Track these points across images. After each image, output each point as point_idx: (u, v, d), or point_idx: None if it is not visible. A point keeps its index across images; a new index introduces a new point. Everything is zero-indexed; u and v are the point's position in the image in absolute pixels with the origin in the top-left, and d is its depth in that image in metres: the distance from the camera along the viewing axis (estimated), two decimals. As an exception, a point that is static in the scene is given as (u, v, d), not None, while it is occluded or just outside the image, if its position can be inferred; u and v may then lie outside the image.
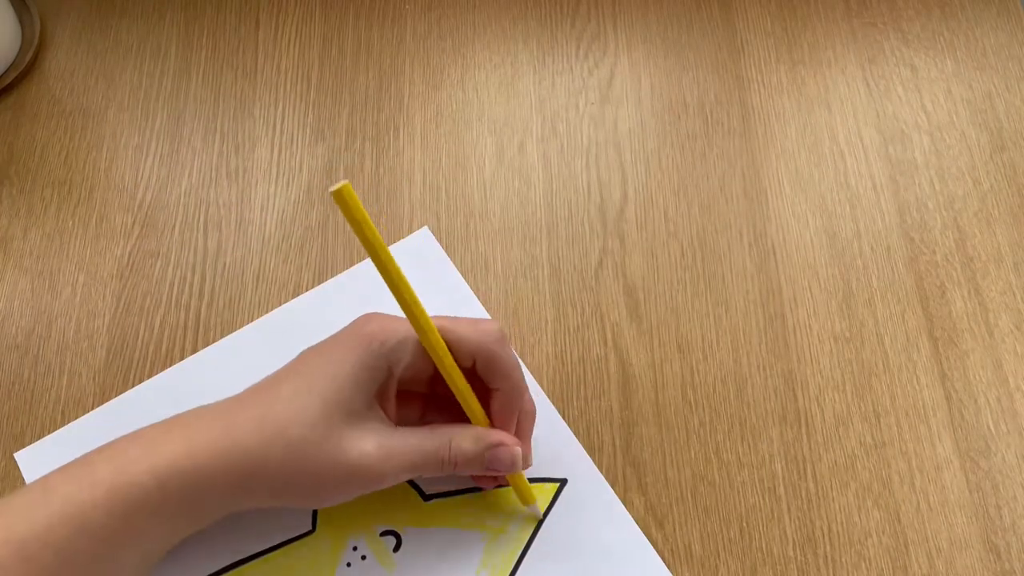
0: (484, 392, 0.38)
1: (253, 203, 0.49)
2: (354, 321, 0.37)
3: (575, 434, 0.44)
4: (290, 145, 0.51)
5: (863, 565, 0.42)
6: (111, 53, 0.53)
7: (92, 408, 0.44)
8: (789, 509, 0.43)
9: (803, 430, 0.44)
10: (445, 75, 0.53)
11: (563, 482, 0.43)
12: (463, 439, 0.37)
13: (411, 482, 0.42)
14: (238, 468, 0.34)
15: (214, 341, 0.46)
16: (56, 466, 0.35)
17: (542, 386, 0.45)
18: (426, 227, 0.48)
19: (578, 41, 0.54)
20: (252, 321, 0.46)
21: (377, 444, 0.35)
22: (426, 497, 0.42)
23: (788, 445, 0.44)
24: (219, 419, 0.35)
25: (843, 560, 0.42)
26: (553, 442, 0.43)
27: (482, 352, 0.37)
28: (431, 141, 0.51)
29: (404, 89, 0.53)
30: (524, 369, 0.45)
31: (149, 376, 0.45)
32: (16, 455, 0.42)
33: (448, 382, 0.37)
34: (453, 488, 0.42)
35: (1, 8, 0.51)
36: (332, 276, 0.47)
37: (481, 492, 0.42)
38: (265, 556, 0.40)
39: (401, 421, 0.38)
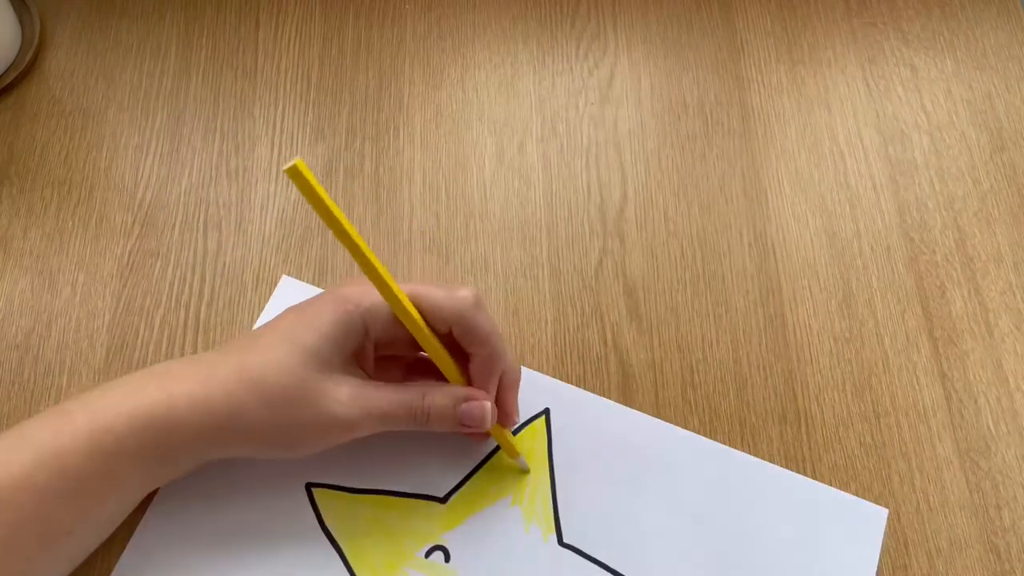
0: (463, 356, 0.39)
1: (253, 203, 0.49)
2: (332, 289, 0.38)
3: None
4: (290, 145, 0.51)
5: (863, 565, 0.42)
6: (111, 53, 0.53)
7: (92, 408, 0.44)
8: (789, 509, 0.43)
9: (803, 430, 0.44)
10: (445, 75, 0.53)
11: (546, 411, 0.43)
12: (436, 394, 0.38)
13: (419, 495, 0.42)
14: (214, 417, 0.35)
15: (214, 341, 0.46)
16: None
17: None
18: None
19: (578, 41, 0.54)
20: (253, 321, 0.46)
21: (351, 394, 0.36)
22: (443, 499, 0.42)
23: (788, 445, 0.44)
24: (198, 370, 0.36)
25: (843, 560, 0.42)
26: (524, 387, 0.42)
27: (457, 319, 0.37)
28: (431, 141, 0.51)
29: (404, 89, 0.53)
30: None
31: (149, 376, 0.45)
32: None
33: (423, 346, 0.37)
34: (462, 478, 0.42)
35: (1, 8, 0.51)
36: (332, 276, 0.47)
37: (486, 465, 0.42)
38: None
39: (378, 378, 0.39)
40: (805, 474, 0.43)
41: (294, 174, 0.31)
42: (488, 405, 0.38)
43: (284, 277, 0.47)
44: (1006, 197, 0.50)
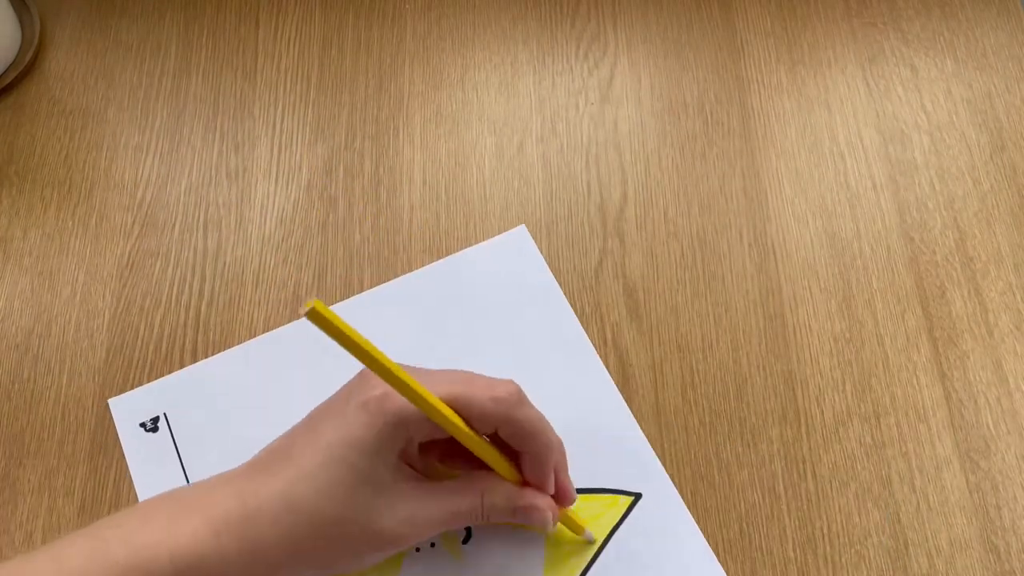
0: (512, 449, 0.37)
1: (253, 203, 0.49)
2: (361, 380, 0.35)
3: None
4: (290, 145, 0.51)
5: (863, 565, 0.42)
6: (111, 53, 0.53)
7: (92, 407, 0.44)
8: (789, 509, 0.43)
9: (803, 430, 0.44)
10: (445, 75, 0.53)
11: (638, 496, 0.42)
12: (495, 496, 0.36)
13: None
14: (264, 552, 0.33)
15: (214, 341, 0.46)
16: (143, 418, 0.40)
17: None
18: (523, 225, 0.48)
19: (578, 41, 0.54)
20: (254, 320, 0.46)
21: (409, 512, 0.34)
22: None
23: (788, 445, 0.44)
24: (239, 496, 0.34)
25: (843, 560, 0.42)
26: (628, 453, 0.43)
27: (504, 421, 0.35)
28: (431, 141, 0.51)
29: (404, 89, 0.53)
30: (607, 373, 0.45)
31: (149, 376, 0.45)
32: (110, 401, 0.44)
33: (473, 451, 0.36)
34: None
35: (1, 8, 0.51)
36: (331, 276, 0.47)
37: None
38: None
39: (426, 466, 0.37)
40: (805, 474, 0.43)
41: (315, 317, 0.29)
42: (549, 514, 0.37)
43: (521, 226, 0.49)
44: (1006, 197, 0.50)
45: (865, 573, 0.41)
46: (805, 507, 0.43)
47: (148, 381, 0.45)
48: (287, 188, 0.50)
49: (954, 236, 0.49)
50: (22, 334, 0.46)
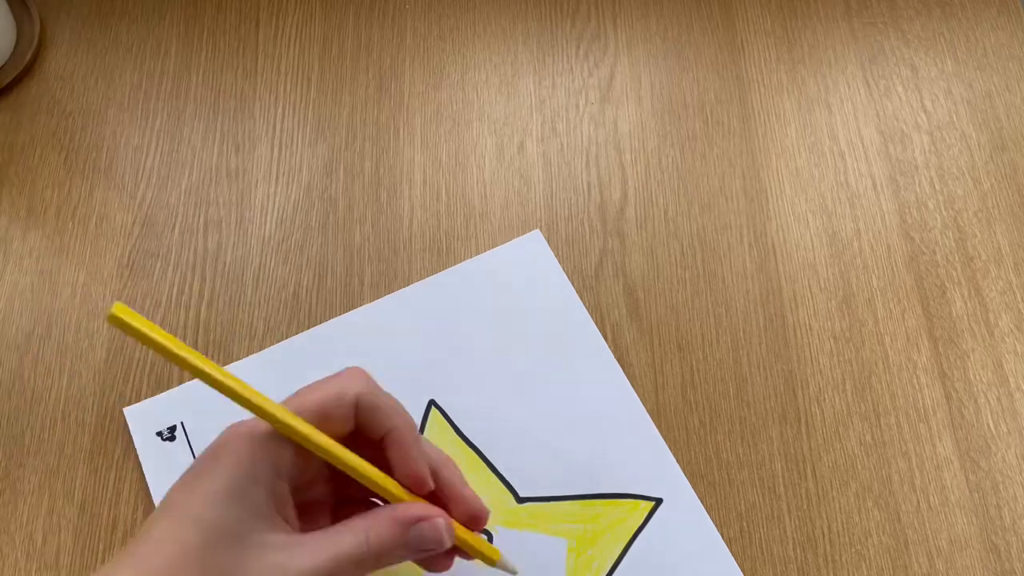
0: (384, 463, 0.32)
1: (253, 203, 0.49)
2: (214, 441, 0.31)
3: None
4: (290, 145, 0.51)
5: (863, 565, 0.42)
6: (111, 53, 0.53)
7: (92, 408, 0.44)
8: (789, 509, 0.43)
9: (803, 430, 0.44)
10: (445, 75, 0.53)
11: (658, 502, 0.42)
12: (380, 526, 0.31)
13: (505, 482, 0.42)
14: None
15: (214, 341, 0.46)
16: (159, 427, 0.39)
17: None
18: (537, 230, 0.48)
19: (578, 41, 0.54)
20: (254, 320, 0.46)
21: (276, 565, 0.29)
22: (519, 500, 0.42)
23: (788, 445, 0.44)
24: None
25: (843, 560, 0.42)
26: (648, 458, 0.43)
27: (360, 400, 0.31)
28: (431, 141, 0.51)
29: (404, 89, 0.53)
30: (621, 375, 0.45)
31: (148, 376, 0.45)
32: (125, 410, 0.44)
33: (331, 461, 0.31)
34: (546, 494, 0.42)
35: (0, 8, 0.51)
36: (331, 276, 0.47)
37: (574, 500, 0.42)
38: None
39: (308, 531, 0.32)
40: (805, 473, 0.43)
41: (117, 322, 0.27)
42: (442, 523, 0.31)
43: (536, 231, 0.49)
44: (1006, 197, 0.50)
45: (865, 573, 0.41)
46: (805, 507, 0.43)
47: (148, 382, 0.45)
48: (287, 188, 0.50)
49: (954, 236, 0.49)
50: (22, 334, 0.46)
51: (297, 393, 0.31)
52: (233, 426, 0.31)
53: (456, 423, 0.44)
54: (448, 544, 0.32)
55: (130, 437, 0.43)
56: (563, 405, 0.43)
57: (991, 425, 0.44)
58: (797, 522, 0.42)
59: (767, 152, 0.51)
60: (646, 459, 0.43)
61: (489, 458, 0.43)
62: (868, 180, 0.51)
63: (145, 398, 0.44)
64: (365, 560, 0.30)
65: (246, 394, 0.29)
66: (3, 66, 0.52)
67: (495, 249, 0.48)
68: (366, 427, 0.32)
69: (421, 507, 0.32)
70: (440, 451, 0.34)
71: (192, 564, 0.28)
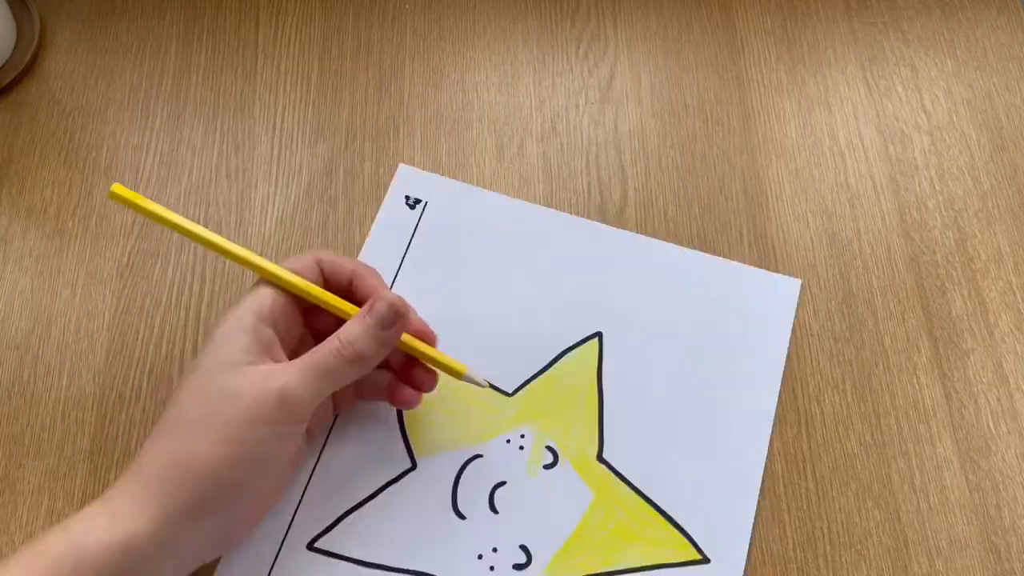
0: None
1: (253, 203, 0.49)
2: None
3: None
4: (290, 145, 0.51)
5: (863, 565, 0.42)
6: (111, 53, 0.53)
7: (92, 408, 0.44)
8: (789, 509, 0.43)
9: (803, 430, 0.44)
10: (445, 75, 0.53)
11: (705, 560, 0.41)
12: (346, 326, 0.37)
13: (601, 435, 0.43)
14: (158, 490, 0.33)
15: (214, 341, 0.46)
16: (415, 193, 0.46)
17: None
18: (800, 280, 0.47)
19: (578, 41, 0.54)
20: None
21: (268, 368, 0.35)
22: (600, 458, 0.43)
23: (788, 445, 0.44)
24: (129, 466, 0.34)
25: (843, 560, 0.42)
26: (730, 516, 0.42)
27: (327, 265, 0.39)
28: (431, 141, 0.51)
29: (404, 89, 0.53)
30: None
31: (149, 376, 0.45)
32: (400, 165, 0.49)
33: (313, 299, 0.38)
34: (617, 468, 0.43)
35: (0, 8, 0.51)
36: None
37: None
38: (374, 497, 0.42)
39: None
40: (805, 473, 0.43)
41: (117, 198, 0.34)
42: (391, 295, 0.37)
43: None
44: (1006, 197, 0.50)
45: (865, 573, 0.41)
46: (805, 507, 0.43)
47: (148, 382, 0.45)
48: (287, 188, 0.50)
49: (954, 236, 0.49)
50: (22, 334, 0.46)
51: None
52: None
53: (603, 367, 0.45)
54: (403, 312, 0.37)
55: (130, 437, 0.43)
56: (699, 423, 0.44)
57: (991, 425, 0.44)
58: (797, 522, 0.42)
59: (767, 152, 0.51)
60: (727, 516, 0.42)
61: (605, 426, 0.44)
62: (868, 180, 0.51)
63: (145, 398, 0.44)
64: (342, 350, 0.36)
65: (235, 250, 0.38)
66: (3, 66, 0.52)
67: (751, 268, 0.47)
68: (332, 276, 0.39)
69: (371, 299, 0.37)
70: (420, 321, 0.40)
71: (201, 397, 0.34)
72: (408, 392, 0.40)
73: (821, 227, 0.49)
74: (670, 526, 0.41)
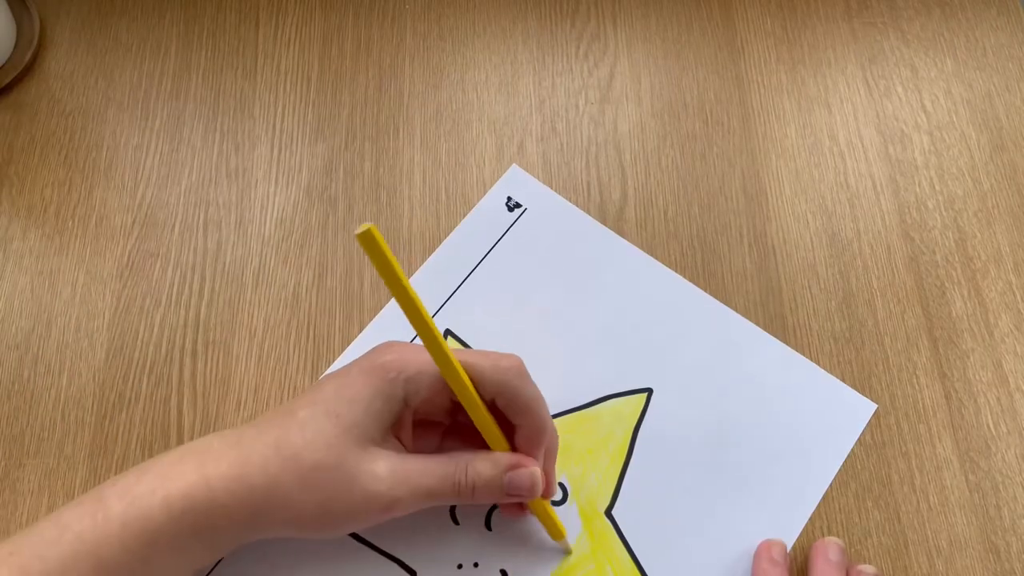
0: (506, 427, 0.37)
1: (253, 203, 0.49)
2: (373, 349, 0.37)
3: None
4: (290, 145, 0.51)
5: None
6: (111, 53, 0.53)
7: (92, 408, 0.44)
8: (789, 509, 0.43)
9: (803, 430, 0.44)
10: (445, 75, 0.53)
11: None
12: (480, 462, 0.36)
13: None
14: (251, 496, 0.33)
15: (214, 341, 0.46)
16: None
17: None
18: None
19: (578, 41, 0.54)
20: (254, 320, 0.46)
21: (390, 468, 0.35)
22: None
23: (788, 445, 0.44)
24: (233, 446, 0.35)
25: (843, 560, 0.42)
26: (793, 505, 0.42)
27: (503, 388, 0.36)
28: (431, 141, 0.51)
29: (404, 89, 0.53)
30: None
31: (149, 376, 0.45)
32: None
33: (469, 412, 0.36)
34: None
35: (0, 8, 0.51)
36: (331, 276, 0.47)
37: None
38: None
39: (419, 451, 0.37)
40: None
41: (365, 241, 0.31)
42: (537, 472, 0.37)
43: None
44: (1006, 197, 0.50)
45: (865, 573, 0.41)
46: (805, 507, 0.43)
47: (148, 382, 0.45)
48: (287, 188, 0.50)
49: (954, 236, 0.49)
50: (22, 334, 0.46)
51: (460, 351, 0.37)
52: (390, 346, 0.37)
53: (642, 424, 0.44)
54: (538, 493, 0.37)
55: (130, 437, 0.43)
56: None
57: (991, 425, 0.44)
58: (797, 522, 0.42)
59: (767, 152, 0.51)
60: (789, 506, 0.42)
61: (624, 483, 0.43)
62: (868, 180, 0.51)
63: (145, 398, 0.44)
64: (461, 487, 0.36)
65: (438, 337, 0.34)
66: (3, 66, 0.52)
67: (831, 376, 0.45)
68: (505, 409, 0.37)
69: (520, 457, 0.37)
70: (555, 433, 0.38)
71: (319, 451, 0.34)
72: (514, 508, 0.40)
73: (821, 227, 0.49)
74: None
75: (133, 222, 0.49)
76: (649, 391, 0.44)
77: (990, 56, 0.54)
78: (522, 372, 0.37)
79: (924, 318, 0.47)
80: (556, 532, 0.40)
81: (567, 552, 0.41)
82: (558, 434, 0.39)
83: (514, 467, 0.37)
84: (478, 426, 0.37)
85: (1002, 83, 0.53)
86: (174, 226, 0.48)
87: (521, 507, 0.40)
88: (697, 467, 0.42)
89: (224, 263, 0.48)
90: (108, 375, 0.45)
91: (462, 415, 0.37)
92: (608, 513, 0.42)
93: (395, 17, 0.55)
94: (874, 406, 0.44)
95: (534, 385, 0.37)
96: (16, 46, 0.52)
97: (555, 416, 0.43)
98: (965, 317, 0.47)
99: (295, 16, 0.54)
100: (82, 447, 0.43)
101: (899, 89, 0.53)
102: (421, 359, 0.36)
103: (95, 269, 0.47)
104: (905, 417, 0.45)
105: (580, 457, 0.43)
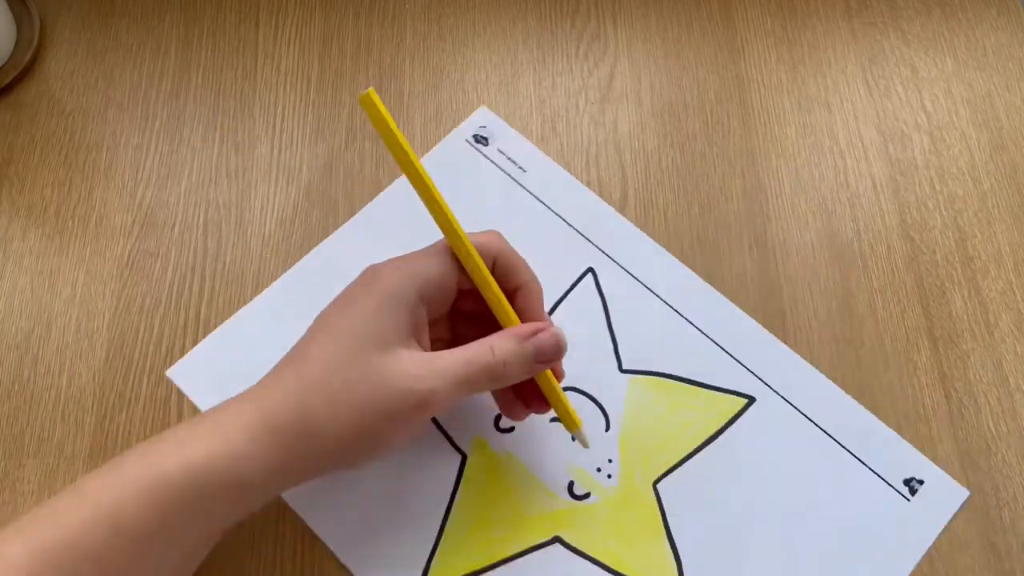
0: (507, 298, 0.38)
1: (253, 203, 0.49)
2: (361, 275, 0.36)
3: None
4: (290, 145, 0.51)
5: (863, 565, 0.42)
6: (111, 53, 0.53)
7: (92, 408, 0.44)
8: (789, 509, 0.43)
9: (803, 430, 0.44)
10: (445, 75, 0.53)
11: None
12: (503, 340, 0.36)
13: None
14: (281, 444, 0.33)
15: (214, 341, 0.46)
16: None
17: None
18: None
19: (578, 41, 0.54)
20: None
21: (418, 363, 0.34)
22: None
23: (788, 445, 0.44)
24: (251, 400, 0.34)
25: (843, 560, 0.42)
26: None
27: (498, 253, 0.37)
28: (431, 141, 0.51)
29: (404, 89, 0.53)
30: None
31: (149, 376, 0.45)
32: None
33: (482, 290, 0.37)
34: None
35: None
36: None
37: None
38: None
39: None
40: (805, 474, 0.43)
41: (366, 103, 0.32)
42: (559, 331, 0.37)
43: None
44: (1006, 197, 0.50)
45: (865, 573, 0.41)
46: (805, 507, 0.43)
47: (148, 382, 0.45)
48: (287, 188, 0.50)
49: (954, 236, 0.49)
50: (22, 334, 0.46)
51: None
52: (373, 266, 0.36)
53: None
54: (564, 351, 0.37)
55: (130, 438, 0.43)
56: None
57: (991, 425, 0.44)
58: (797, 522, 0.42)
59: (767, 152, 0.51)
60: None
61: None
62: (868, 180, 0.51)
63: (145, 398, 0.44)
64: (492, 367, 0.35)
65: (442, 202, 0.35)
66: (3, 66, 0.52)
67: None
68: (501, 279, 0.37)
69: (534, 324, 0.37)
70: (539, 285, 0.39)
71: (342, 369, 0.33)
72: (519, 407, 0.40)
73: (821, 227, 0.49)
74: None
75: (133, 222, 0.49)
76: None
77: (990, 56, 0.54)
78: (502, 235, 0.38)
79: (924, 318, 0.47)
80: (571, 423, 0.39)
81: (585, 446, 0.41)
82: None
83: (533, 333, 0.36)
84: (491, 302, 0.37)
85: (1002, 83, 0.53)
86: (174, 226, 0.48)
87: (524, 404, 0.40)
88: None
89: (224, 263, 0.48)
90: (108, 375, 0.45)
91: (463, 302, 0.38)
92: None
93: (395, 17, 0.55)
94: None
95: (517, 252, 0.38)
96: (16, 46, 0.52)
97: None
98: (965, 317, 0.47)
99: (295, 16, 0.54)
100: (82, 447, 0.43)
101: (899, 89, 0.53)
102: (414, 259, 0.36)
103: (95, 269, 0.47)
104: (905, 417, 0.45)
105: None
